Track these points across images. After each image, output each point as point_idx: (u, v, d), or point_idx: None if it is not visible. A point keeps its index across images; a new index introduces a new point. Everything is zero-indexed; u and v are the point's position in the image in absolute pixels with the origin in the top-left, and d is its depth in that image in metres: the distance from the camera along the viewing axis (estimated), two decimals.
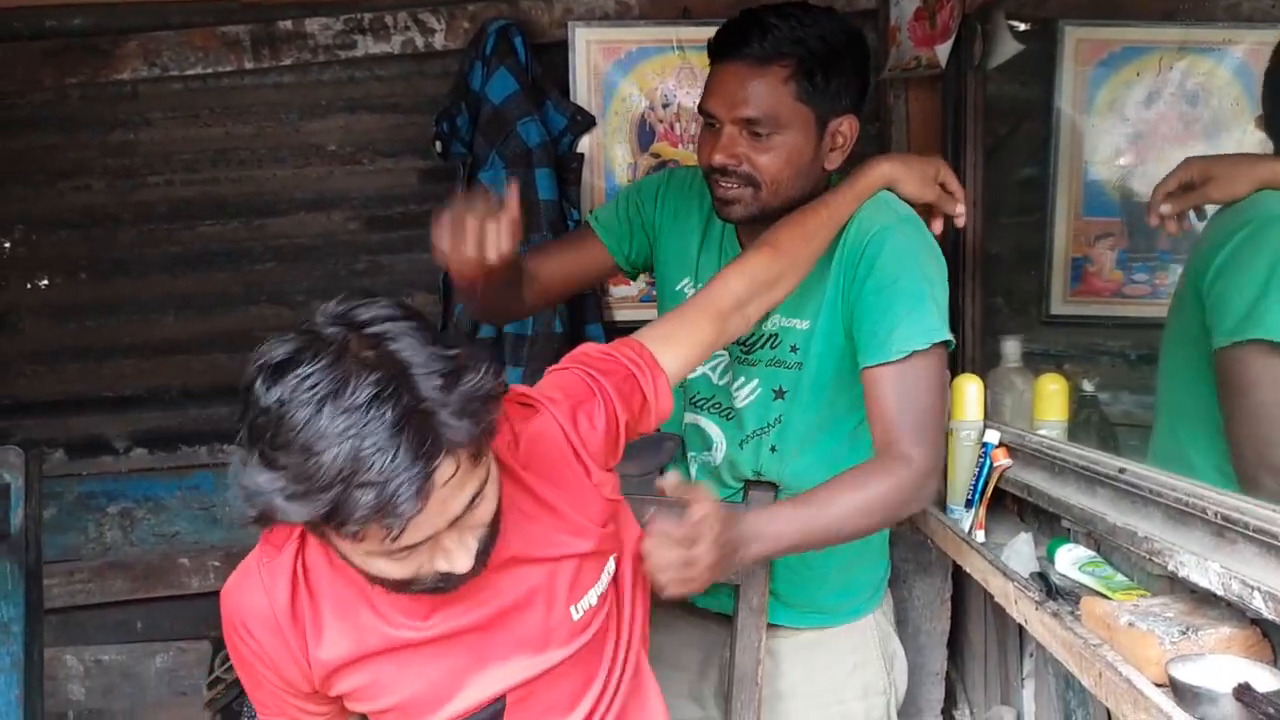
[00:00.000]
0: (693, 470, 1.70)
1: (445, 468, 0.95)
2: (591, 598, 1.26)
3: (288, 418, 0.91)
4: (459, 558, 1.03)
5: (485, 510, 1.05)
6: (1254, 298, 1.41)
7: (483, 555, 1.08)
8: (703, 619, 1.71)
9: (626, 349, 1.32)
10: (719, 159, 1.48)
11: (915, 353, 1.42)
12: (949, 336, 1.46)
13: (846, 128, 1.52)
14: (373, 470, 0.90)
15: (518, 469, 1.21)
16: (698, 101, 1.56)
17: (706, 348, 1.40)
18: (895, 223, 1.49)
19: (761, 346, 1.61)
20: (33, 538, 1.72)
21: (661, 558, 1.19)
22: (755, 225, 1.52)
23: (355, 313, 0.98)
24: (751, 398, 1.63)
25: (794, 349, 1.57)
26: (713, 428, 1.68)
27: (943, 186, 1.59)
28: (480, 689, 1.22)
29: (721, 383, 1.66)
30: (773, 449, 1.61)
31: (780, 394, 1.60)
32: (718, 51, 1.51)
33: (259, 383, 0.94)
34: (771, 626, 1.62)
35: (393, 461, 0.90)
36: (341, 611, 1.17)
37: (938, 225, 1.59)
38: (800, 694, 1.66)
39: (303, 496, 0.91)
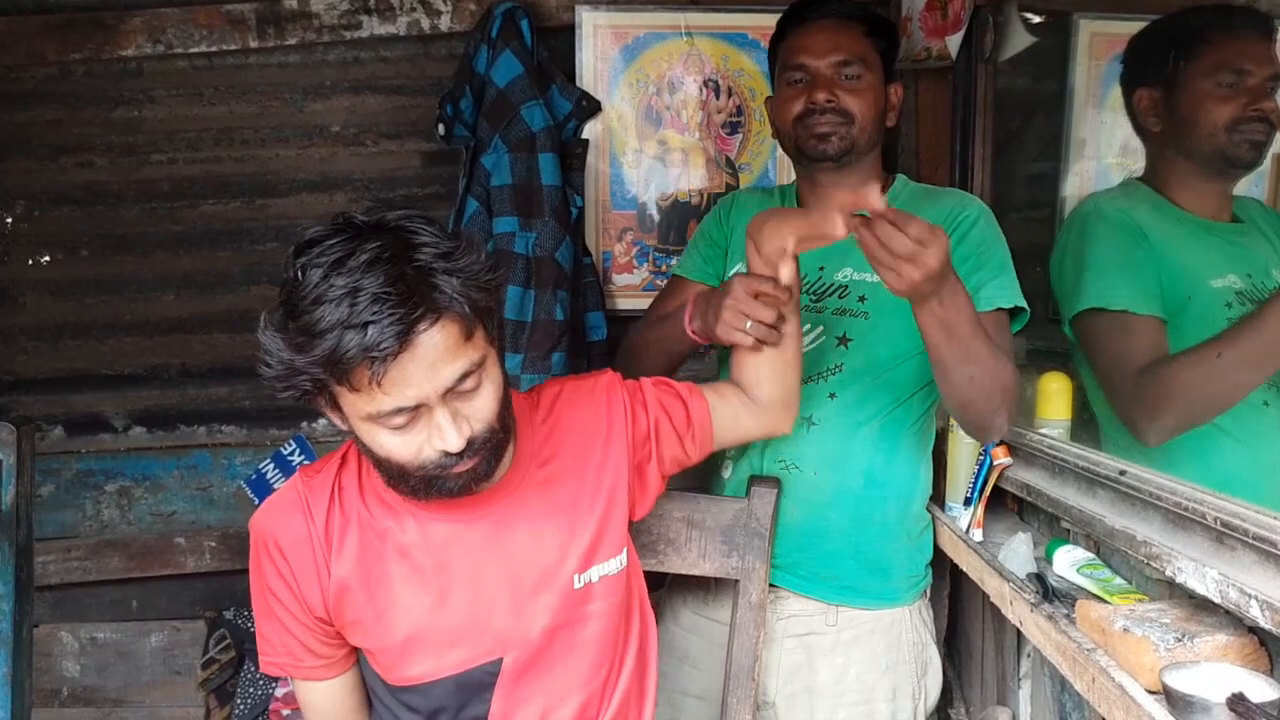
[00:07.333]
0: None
1: (428, 320, 1.07)
2: (593, 574, 1.32)
3: (303, 280, 1.07)
4: (449, 434, 1.13)
5: (482, 403, 1.16)
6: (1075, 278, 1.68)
7: (483, 453, 1.18)
8: (727, 618, 1.71)
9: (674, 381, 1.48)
10: (821, 96, 1.63)
11: (999, 310, 1.56)
12: (1025, 304, 1.58)
13: (896, 92, 1.72)
14: (363, 313, 1.03)
15: (540, 424, 1.35)
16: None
17: (739, 405, 1.48)
18: (983, 208, 1.67)
19: (830, 295, 1.68)
20: (24, 515, 1.71)
21: (893, 240, 1.23)
22: (840, 175, 1.67)
23: (383, 211, 1.15)
24: (815, 344, 1.67)
25: (862, 299, 1.63)
26: None
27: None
28: (475, 646, 1.28)
29: None
30: (832, 395, 1.64)
31: (844, 341, 1.66)
32: (798, 18, 1.69)
33: (290, 257, 1.10)
34: (819, 613, 1.67)
35: (380, 306, 1.04)
36: (364, 526, 1.28)
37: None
38: (830, 691, 1.67)
39: (307, 344, 1.06)
